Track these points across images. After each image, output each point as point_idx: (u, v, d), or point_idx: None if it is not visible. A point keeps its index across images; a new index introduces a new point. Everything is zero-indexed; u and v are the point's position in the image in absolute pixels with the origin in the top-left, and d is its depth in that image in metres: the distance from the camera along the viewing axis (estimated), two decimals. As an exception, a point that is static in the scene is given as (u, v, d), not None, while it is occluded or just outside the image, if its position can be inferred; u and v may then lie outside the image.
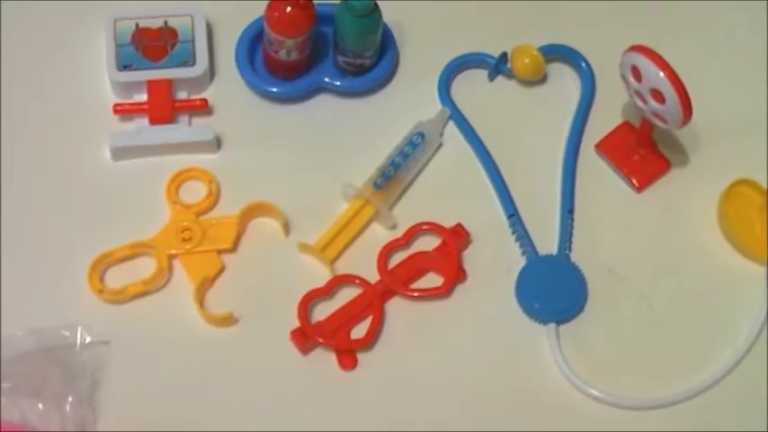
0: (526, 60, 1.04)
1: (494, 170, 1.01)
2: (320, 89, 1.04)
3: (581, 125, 1.04)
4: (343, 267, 0.98)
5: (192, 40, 1.02)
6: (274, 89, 1.02)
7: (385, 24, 1.02)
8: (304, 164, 1.02)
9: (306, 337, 0.94)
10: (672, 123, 0.95)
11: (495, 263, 0.99)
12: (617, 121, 1.04)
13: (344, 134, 1.03)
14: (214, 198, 0.99)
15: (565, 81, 1.07)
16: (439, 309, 0.97)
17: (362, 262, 0.98)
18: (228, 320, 0.95)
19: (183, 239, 0.97)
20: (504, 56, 1.05)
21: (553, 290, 0.98)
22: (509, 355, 0.96)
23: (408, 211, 1.00)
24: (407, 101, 1.05)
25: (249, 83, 1.03)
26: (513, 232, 1.00)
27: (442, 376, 0.95)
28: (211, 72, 1.04)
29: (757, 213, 1.00)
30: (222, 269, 0.97)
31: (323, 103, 1.04)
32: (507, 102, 1.06)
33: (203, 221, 0.98)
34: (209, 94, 1.03)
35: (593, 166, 1.03)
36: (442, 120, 1.03)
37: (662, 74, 0.91)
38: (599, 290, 0.98)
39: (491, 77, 1.06)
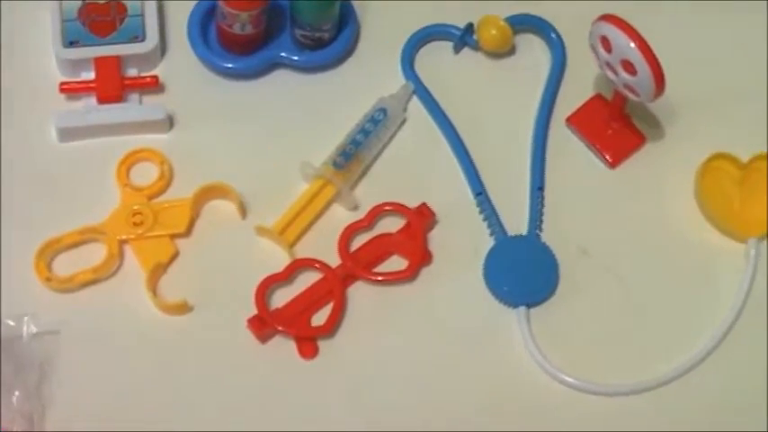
0: (493, 31, 1.02)
1: (460, 147, 0.99)
2: (277, 64, 1.01)
3: (551, 99, 1.02)
4: (303, 251, 0.96)
5: (142, 15, 0.99)
6: (229, 65, 1.00)
7: (344, -5, 1.01)
8: (261, 143, 1.00)
9: (264, 324, 0.92)
10: (644, 96, 0.92)
11: (462, 244, 0.97)
12: (588, 94, 1.02)
13: (303, 111, 1.01)
14: (166, 180, 0.96)
15: (534, 52, 1.05)
16: (404, 293, 0.96)
17: (323, 245, 0.96)
18: (183, 308, 0.93)
19: (135, 224, 0.94)
20: (470, 27, 1.02)
21: (523, 271, 0.96)
22: (478, 340, 0.95)
23: (371, 192, 0.98)
24: (369, 75, 1.02)
25: (202, 58, 1.00)
26: (481, 212, 0.98)
27: (408, 364, 0.94)
28: (162, 48, 1.01)
29: (736, 188, 0.98)
30: (176, 254, 0.95)
31: (280, 78, 1.02)
32: (474, 75, 1.04)
33: (155, 205, 0.95)
34: (160, 70, 1.01)
35: (564, 142, 1.01)
36: (406, 95, 1.01)
37: (632, 44, 0.89)
38: (571, 271, 0.96)
39: (456, 50, 1.04)
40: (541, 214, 0.98)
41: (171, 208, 0.95)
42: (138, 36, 0.99)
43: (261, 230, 0.95)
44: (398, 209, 0.97)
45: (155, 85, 0.99)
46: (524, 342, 0.93)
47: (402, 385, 0.93)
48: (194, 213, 0.95)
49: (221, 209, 0.97)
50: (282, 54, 1.00)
